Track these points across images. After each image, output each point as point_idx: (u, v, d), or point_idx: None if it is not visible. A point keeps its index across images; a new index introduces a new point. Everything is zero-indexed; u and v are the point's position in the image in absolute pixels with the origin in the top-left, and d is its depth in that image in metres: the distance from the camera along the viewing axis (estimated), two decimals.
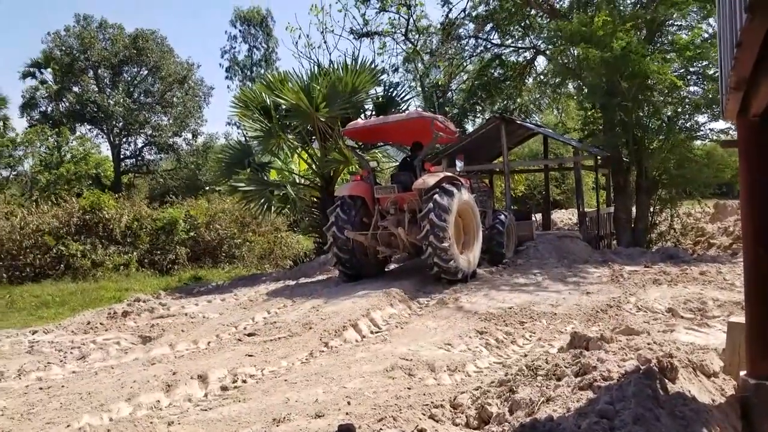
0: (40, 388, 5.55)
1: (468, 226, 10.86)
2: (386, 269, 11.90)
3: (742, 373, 3.88)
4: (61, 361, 6.65)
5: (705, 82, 15.11)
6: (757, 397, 3.64)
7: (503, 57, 21.64)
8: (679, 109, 15.75)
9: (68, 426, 4.35)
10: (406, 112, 11.68)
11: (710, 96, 14.50)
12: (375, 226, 10.62)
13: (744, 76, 2.69)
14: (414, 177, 10.51)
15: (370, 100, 14.86)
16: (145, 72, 37.06)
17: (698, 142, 16.95)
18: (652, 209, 17.47)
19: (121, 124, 35.55)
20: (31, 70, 34.66)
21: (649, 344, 4.14)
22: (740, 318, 4.34)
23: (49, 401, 5.07)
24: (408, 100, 16.22)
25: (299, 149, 15.12)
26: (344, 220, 10.43)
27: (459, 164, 11.69)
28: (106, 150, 36.84)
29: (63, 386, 5.57)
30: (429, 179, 9.98)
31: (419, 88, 22.95)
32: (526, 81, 22.40)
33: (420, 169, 10.69)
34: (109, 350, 7.02)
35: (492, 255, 12.32)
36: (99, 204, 16.03)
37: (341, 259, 10.63)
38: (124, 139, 37.25)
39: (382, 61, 47.82)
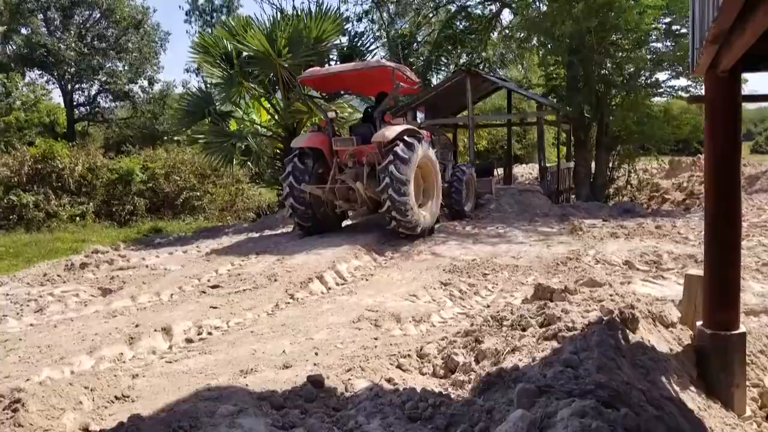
0: None
1: (428, 180, 10.54)
2: (343, 224, 11.66)
3: (699, 323, 4.03)
4: (17, 313, 6.44)
5: (669, 39, 15.24)
6: (712, 347, 3.80)
7: (469, 9, 21.40)
8: (641, 65, 15.90)
9: (28, 380, 4.21)
10: (366, 60, 11.12)
11: (672, 52, 14.66)
12: (333, 180, 10.22)
13: (725, 29, 2.68)
14: (374, 129, 10.07)
15: (334, 49, 14.55)
16: (98, 15, 35.35)
17: (657, 99, 17.23)
18: (610, 164, 17.79)
19: (73, 69, 33.95)
20: None
21: (611, 296, 4.25)
22: (697, 271, 4.49)
23: (6, 355, 4.93)
24: (373, 50, 15.94)
25: (261, 99, 14.78)
26: (301, 170, 10.07)
27: (420, 116, 11.42)
28: (57, 97, 35.39)
29: (20, 339, 5.42)
30: (388, 132, 9.60)
31: (384, 39, 22.57)
32: (492, 35, 22.25)
33: (380, 121, 10.23)
34: (68, 302, 6.85)
35: (451, 209, 12.22)
36: (52, 153, 15.58)
37: (297, 211, 10.26)
38: (76, 86, 35.71)
39: (347, 10, 46.64)
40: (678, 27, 14.74)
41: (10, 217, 14.26)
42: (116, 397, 3.70)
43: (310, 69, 11.13)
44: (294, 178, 10.03)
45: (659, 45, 15.82)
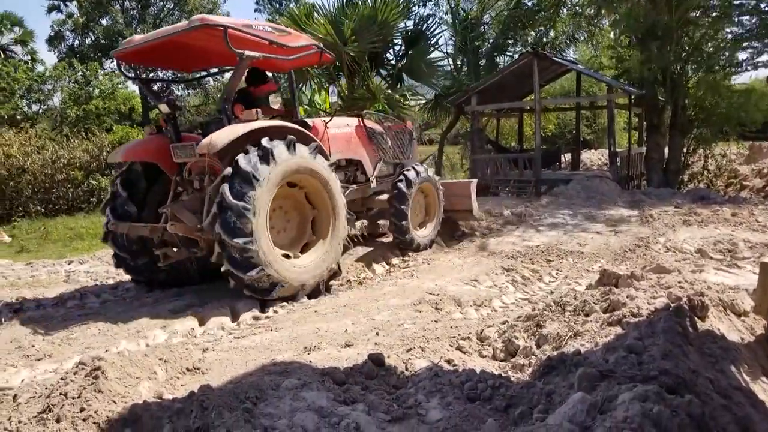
0: (78, 316, 5.78)
1: (320, 212, 6.64)
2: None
3: None
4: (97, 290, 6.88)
5: (751, 17, 14.46)
6: None
7: None
8: (721, 44, 15.14)
9: (107, 350, 4.51)
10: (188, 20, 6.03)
11: (756, 31, 13.93)
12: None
13: None
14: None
15: (399, 34, 14.53)
16: (172, 5, 36.64)
17: (738, 80, 16.39)
18: (685, 150, 17.06)
19: None
20: (56, 3, 34.43)
21: (679, 282, 4.12)
22: None
23: (87, 328, 5.27)
24: (438, 34, 15.77)
25: (326, 85, 14.95)
26: (123, 199, 6.57)
27: (333, 91, 7.79)
28: (133, 85, 36.95)
29: (100, 314, 5.80)
30: (220, 136, 5.74)
31: (450, 21, 22.29)
32: (560, 13, 21.60)
33: (227, 114, 6.29)
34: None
35: (395, 234, 8.24)
36: (128, 139, 16.26)
37: (121, 260, 6.63)
38: (151, 74, 37.26)
39: None
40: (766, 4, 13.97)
41: (90, 200, 15.04)
42: (188, 369, 3.87)
43: (127, 40, 6.59)
44: (113, 211, 6.55)
45: (743, 22, 14.99)
